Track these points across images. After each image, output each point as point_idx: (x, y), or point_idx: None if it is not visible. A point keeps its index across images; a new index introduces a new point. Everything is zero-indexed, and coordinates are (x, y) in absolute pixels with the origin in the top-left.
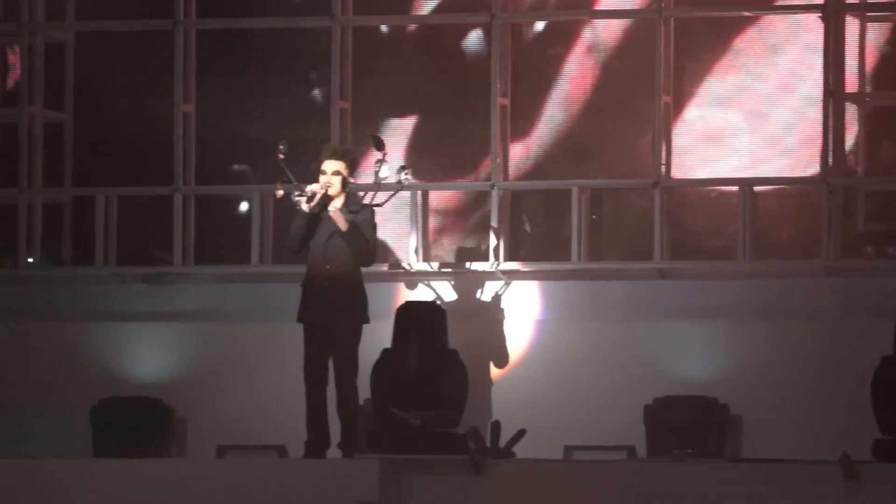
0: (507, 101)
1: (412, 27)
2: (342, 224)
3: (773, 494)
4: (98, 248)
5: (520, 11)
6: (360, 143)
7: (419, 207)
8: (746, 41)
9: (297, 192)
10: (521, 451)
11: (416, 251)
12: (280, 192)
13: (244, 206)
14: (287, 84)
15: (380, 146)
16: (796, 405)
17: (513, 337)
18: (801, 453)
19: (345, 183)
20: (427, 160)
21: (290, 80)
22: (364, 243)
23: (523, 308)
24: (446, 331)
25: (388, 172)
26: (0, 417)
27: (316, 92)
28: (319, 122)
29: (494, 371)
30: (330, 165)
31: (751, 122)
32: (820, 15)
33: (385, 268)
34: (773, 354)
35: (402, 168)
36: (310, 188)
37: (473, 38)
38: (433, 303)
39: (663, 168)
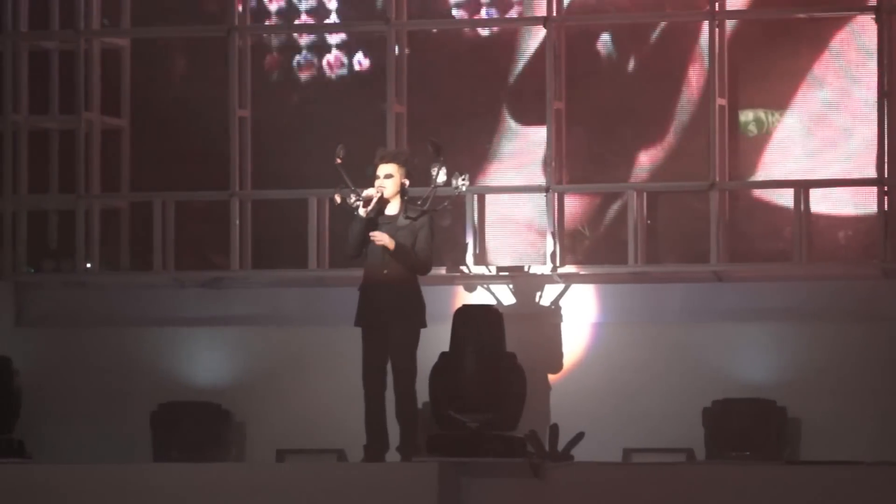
0: (561, 105)
1: (468, 32)
2: (389, 244)
3: (832, 497)
4: (156, 254)
5: (574, 15)
6: (416, 147)
7: (475, 212)
8: (804, 43)
9: (353, 197)
10: (579, 454)
11: (473, 255)
12: (339, 199)
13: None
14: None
15: (438, 151)
16: (855, 407)
17: (570, 340)
18: (859, 455)
19: (402, 186)
20: (484, 164)
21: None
22: (414, 260)
23: (581, 311)
24: (504, 334)
25: (444, 177)
26: (61, 422)
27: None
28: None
29: (552, 374)
30: (384, 169)
31: (807, 124)
32: (874, 17)
33: (443, 271)
34: (831, 357)
35: (459, 174)
36: (365, 193)
37: (529, 42)
38: (491, 306)
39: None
